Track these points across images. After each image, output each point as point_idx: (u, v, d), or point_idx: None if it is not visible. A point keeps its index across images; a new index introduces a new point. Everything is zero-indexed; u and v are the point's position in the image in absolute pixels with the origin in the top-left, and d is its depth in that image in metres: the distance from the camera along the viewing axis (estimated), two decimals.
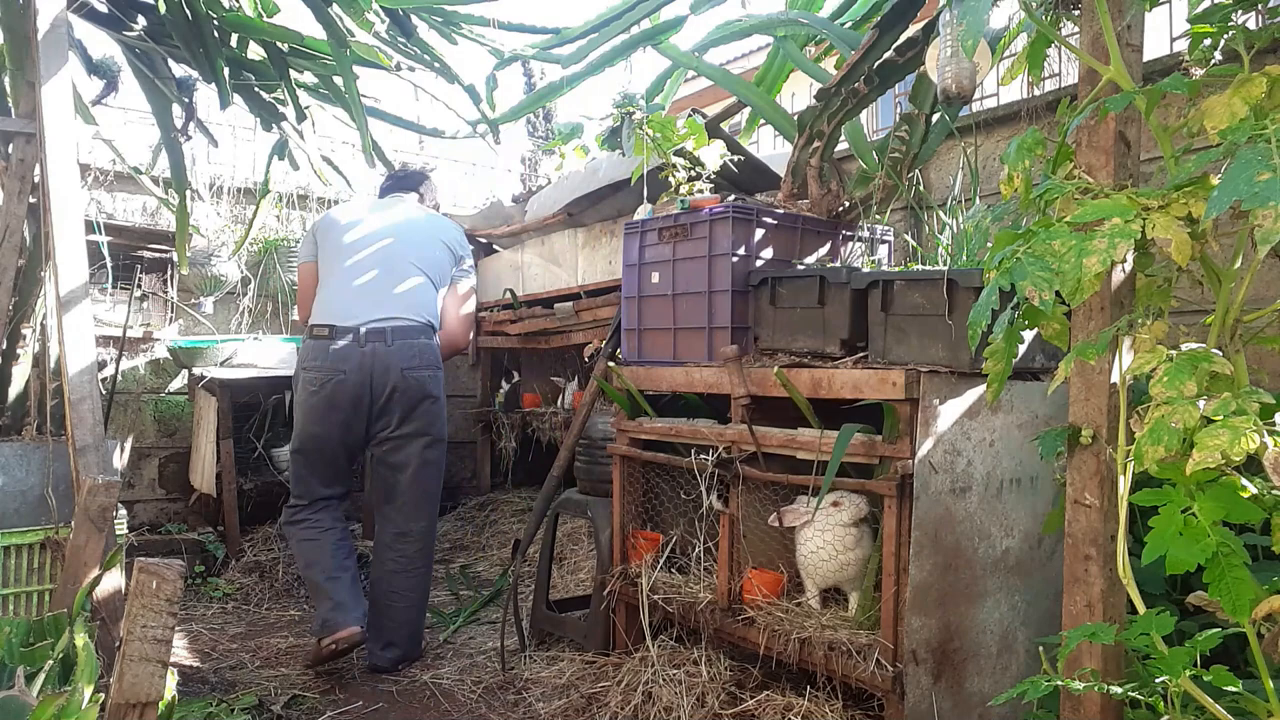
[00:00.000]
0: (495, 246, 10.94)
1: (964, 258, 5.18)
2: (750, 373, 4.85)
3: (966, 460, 4.24)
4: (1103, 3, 2.85)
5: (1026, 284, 2.50)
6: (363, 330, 6.00)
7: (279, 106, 7.01)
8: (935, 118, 5.31)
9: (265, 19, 6.09)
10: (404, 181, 6.91)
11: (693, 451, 5.08)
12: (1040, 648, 3.44)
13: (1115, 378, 3.00)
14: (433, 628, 6.92)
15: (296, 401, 6.24)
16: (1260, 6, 2.80)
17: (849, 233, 5.71)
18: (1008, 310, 2.73)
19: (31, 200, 5.25)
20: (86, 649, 3.38)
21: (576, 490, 6.37)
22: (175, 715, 3.64)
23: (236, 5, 6.15)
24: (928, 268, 5.01)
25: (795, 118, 5.78)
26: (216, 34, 6.00)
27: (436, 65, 6.69)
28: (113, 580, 4.44)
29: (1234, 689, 2.48)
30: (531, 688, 5.50)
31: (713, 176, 6.00)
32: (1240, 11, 2.75)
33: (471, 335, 6.59)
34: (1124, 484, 2.66)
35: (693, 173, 5.96)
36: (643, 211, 5.95)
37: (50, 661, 3.55)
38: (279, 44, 6.25)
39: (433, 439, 6.28)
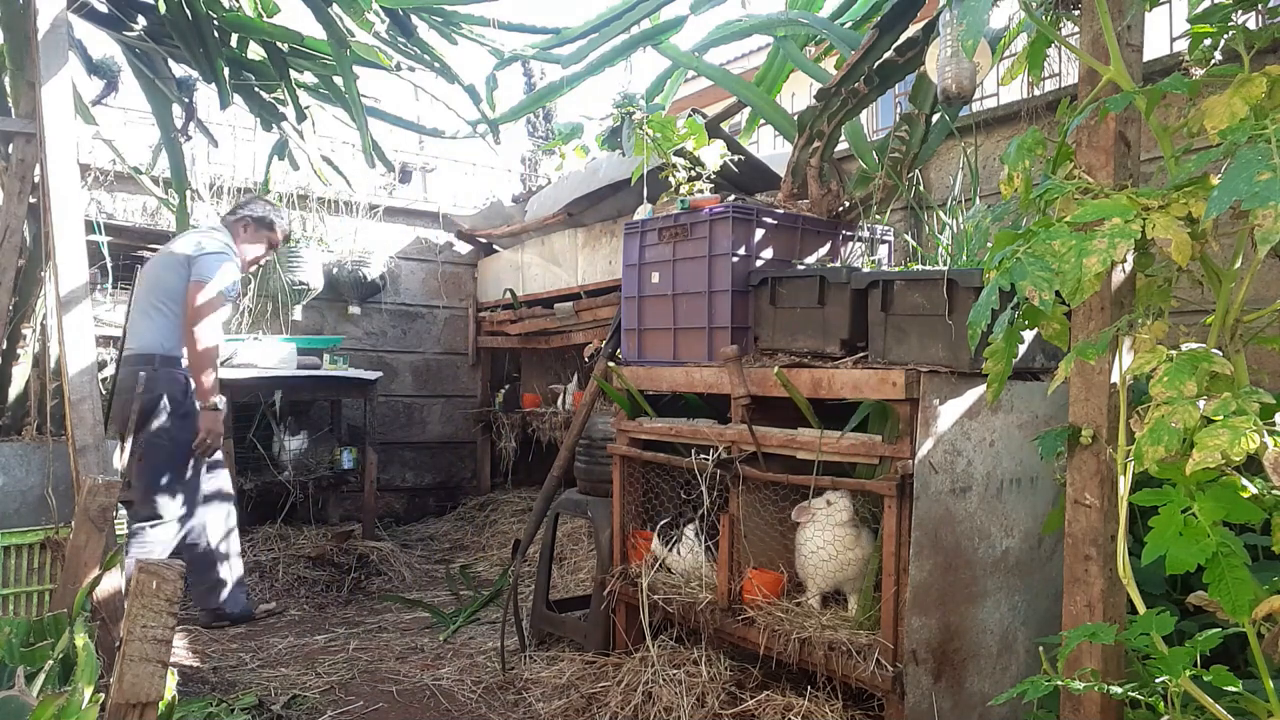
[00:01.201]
0: (495, 246, 10.96)
1: (964, 258, 5.18)
2: (750, 373, 4.85)
3: (966, 460, 4.24)
4: (1103, 3, 2.85)
5: (1026, 284, 2.50)
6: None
7: (279, 106, 7.02)
8: (935, 118, 5.32)
9: (265, 19, 6.09)
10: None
11: (693, 451, 5.08)
12: (1040, 648, 3.43)
13: (1115, 378, 3.00)
14: (433, 627, 6.94)
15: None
16: (1260, 6, 2.80)
17: (849, 233, 5.71)
18: (1008, 310, 2.73)
19: (31, 200, 5.25)
20: (86, 649, 3.38)
21: (576, 490, 6.36)
22: (175, 715, 3.64)
23: (236, 5, 6.15)
24: (928, 268, 5.01)
25: (795, 118, 5.78)
26: (216, 34, 6.00)
27: (436, 65, 6.69)
28: (113, 580, 4.45)
29: (1234, 689, 2.48)
30: (531, 688, 5.50)
31: (713, 176, 6.00)
32: (1240, 11, 2.75)
33: (203, 330, 6.69)
34: (1124, 484, 2.66)
35: (693, 173, 5.96)
36: (643, 211, 5.95)
37: (50, 661, 3.56)
38: (279, 44, 6.25)
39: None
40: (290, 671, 5.95)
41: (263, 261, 7.49)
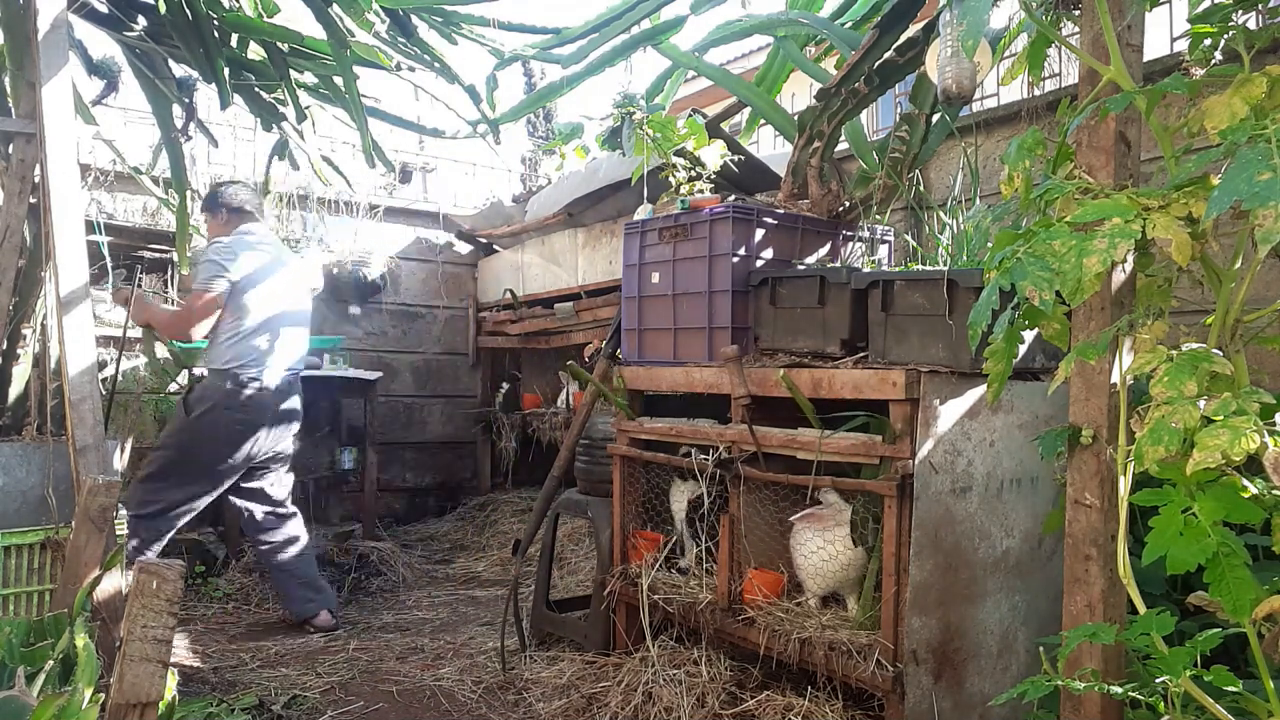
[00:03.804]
0: (495, 246, 10.97)
1: (964, 258, 5.18)
2: (750, 373, 4.85)
3: (967, 460, 4.25)
4: (1103, 3, 2.85)
5: (1027, 284, 2.50)
6: None
7: (279, 106, 7.01)
8: (935, 118, 5.32)
9: (265, 19, 6.08)
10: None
11: (693, 451, 5.08)
12: (1040, 648, 3.44)
13: (1115, 378, 3.00)
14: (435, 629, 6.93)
15: None
16: (1260, 6, 2.80)
17: (849, 233, 5.71)
18: (1008, 310, 2.73)
19: (32, 200, 5.25)
20: (87, 649, 3.38)
21: (577, 490, 6.36)
22: (175, 715, 3.64)
23: (236, 5, 6.14)
24: (928, 268, 5.01)
25: (795, 118, 5.79)
26: (216, 34, 5.99)
27: (436, 65, 6.69)
28: (113, 580, 4.44)
29: (1234, 689, 2.48)
30: (532, 688, 5.50)
31: (713, 176, 6.00)
32: (1240, 11, 2.75)
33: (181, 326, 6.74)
34: (1124, 484, 2.66)
35: (693, 173, 5.96)
36: (643, 211, 5.95)
37: (50, 662, 3.56)
38: (279, 44, 6.24)
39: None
40: (290, 671, 5.95)
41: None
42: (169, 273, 9.08)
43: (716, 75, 6.74)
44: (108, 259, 8.13)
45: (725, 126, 6.85)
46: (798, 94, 9.43)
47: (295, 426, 7.04)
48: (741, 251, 5.19)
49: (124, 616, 3.15)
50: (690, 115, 6.22)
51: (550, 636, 6.29)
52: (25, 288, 5.58)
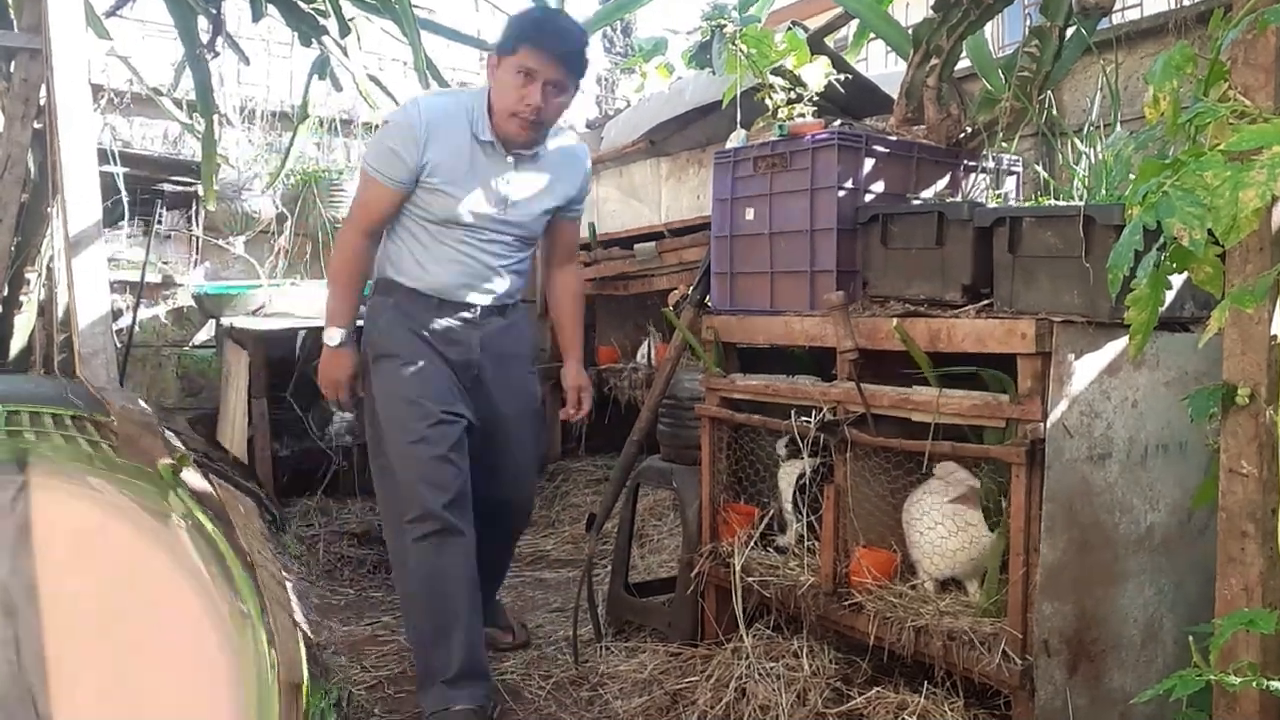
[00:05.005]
0: None
1: (1103, 191, 5.16)
2: (858, 323, 4.86)
3: (1106, 423, 4.25)
4: None
5: (1174, 221, 2.51)
6: None
7: (319, 19, 7.04)
8: (1070, 31, 5.30)
9: None
10: None
11: (793, 413, 5.10)
12: (1190, 637, 3.45)
13: (1277, 329, 3.00)
14: None
15: None
16: None
17: (971, 163, 5.70)
18: (1153, 252, 2.74)
19: (37, 126, 5.30)
20: None
21: (659, 457, 6.42)
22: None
23: None
24: (1061, 203, 5.01)
25: (910, 32, 5.78)
26: None
27: None
28: None
29: None
30: (608, 683, 5.55)
31: (815, 98, 6.00)
32: None
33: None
34: None
35: (793, 94, 5.96)
36: (735, 139, 5.95)
37: None
38: None
39: None
40: (337, 662, 6.00)
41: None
42: (194, 208, 9.12)
43: None
44: (124, 193, 8.20)
45: (830, 42, 6.84)
46: (913, 4, 9.42)
47: None
48: (848, 184, 5.19)
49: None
50: (790, 28, 6.21)
51: (629, 624, 6.35)
52: (29, 226, 5.65)
